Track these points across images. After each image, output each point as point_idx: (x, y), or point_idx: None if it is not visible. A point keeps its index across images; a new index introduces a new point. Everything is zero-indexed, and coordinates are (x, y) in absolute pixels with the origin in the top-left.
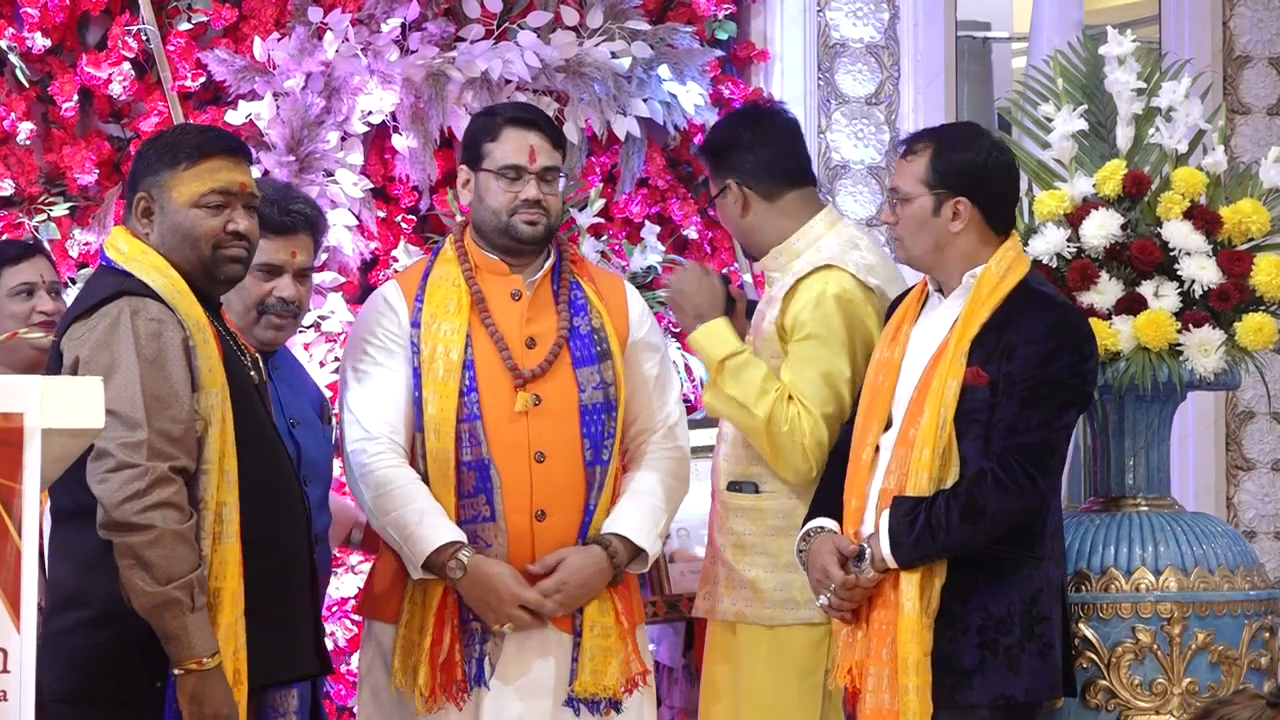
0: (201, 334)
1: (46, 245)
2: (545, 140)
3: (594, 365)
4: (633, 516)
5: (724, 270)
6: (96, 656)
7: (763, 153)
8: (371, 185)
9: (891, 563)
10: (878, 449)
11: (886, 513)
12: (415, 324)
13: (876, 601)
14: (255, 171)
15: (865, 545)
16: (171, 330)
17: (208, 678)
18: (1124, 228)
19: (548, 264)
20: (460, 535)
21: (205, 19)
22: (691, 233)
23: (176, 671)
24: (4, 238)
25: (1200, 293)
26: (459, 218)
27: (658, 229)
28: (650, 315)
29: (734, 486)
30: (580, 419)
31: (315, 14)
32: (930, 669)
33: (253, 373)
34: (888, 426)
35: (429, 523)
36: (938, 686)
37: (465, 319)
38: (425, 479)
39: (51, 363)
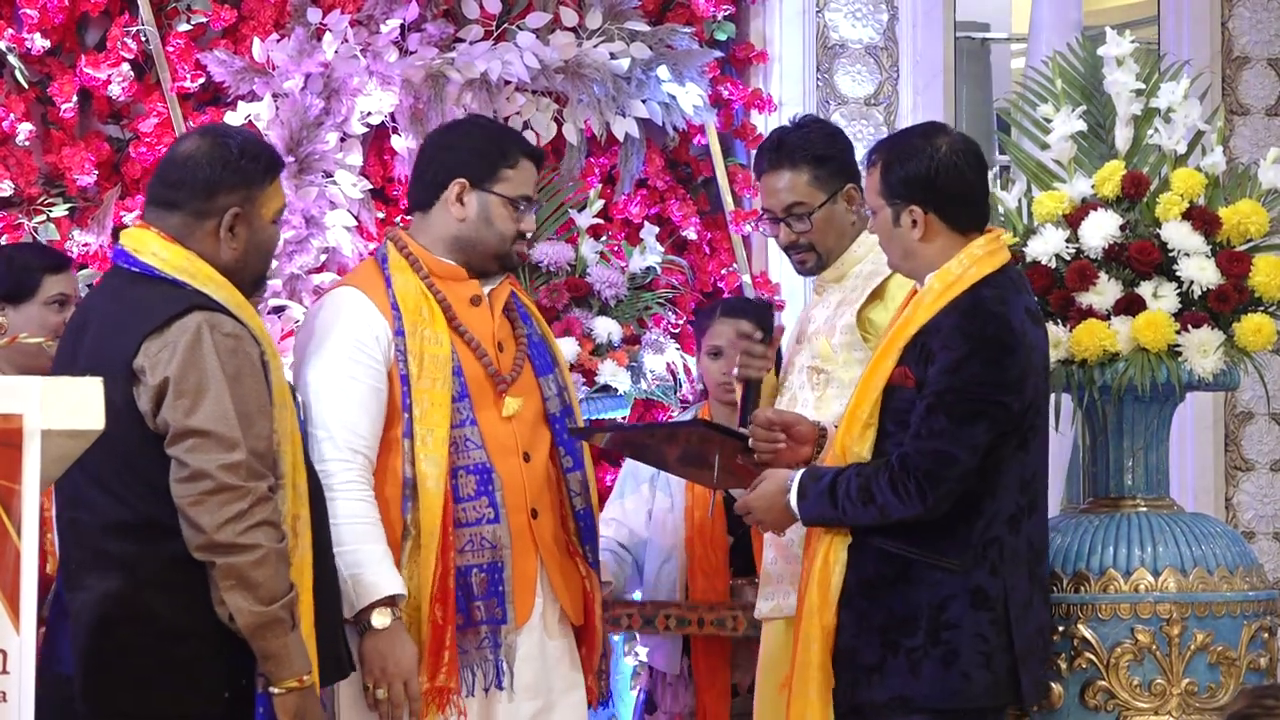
0: (271, 348)
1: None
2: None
3: (551, 373)
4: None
5: (723, 270)
6: (166, 673)
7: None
8: (370, 186)
9: (797, 512)
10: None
11: (801, 471)
12: (399, 332)
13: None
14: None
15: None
16: (248, 346)
17: (307, 695)
18: (1123, 228)
19: (504, 275)
20: (404, 589)
21: (204, 20)
22: (690, 233)
23: (275, 690)
24: (3, 239)
25: (1199, 293)
26: None
27: (657, 230)
28: None
29: None
30: (551, 427)
31: (314, 15)
32: (826, 646)
33: None
34: None
35: (388, 568)
36: (840, 680)
37: (443, 327)
38: (413, 483)
39: (119, 376)
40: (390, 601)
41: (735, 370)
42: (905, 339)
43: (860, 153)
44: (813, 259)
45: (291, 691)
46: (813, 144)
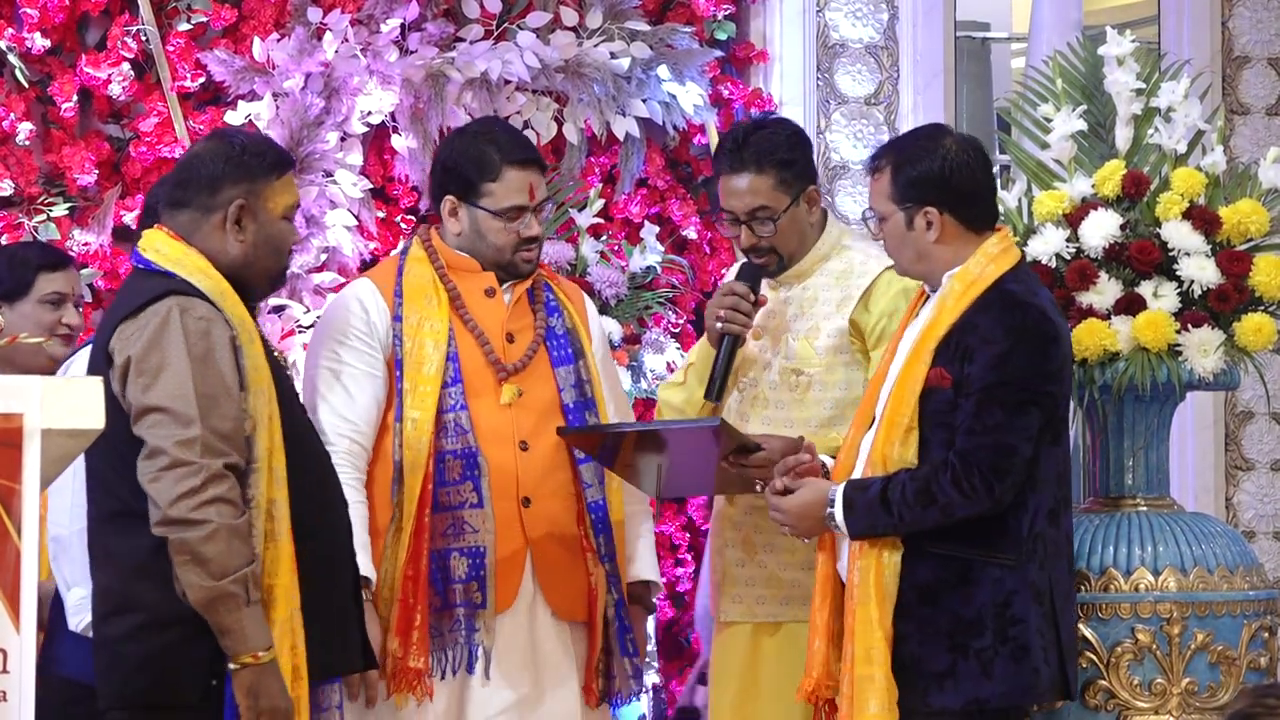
0: (247, 334)
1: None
2: (540, 175)
3: (570, 365)
4: (646, 558)
5: (724, 270)
6: (154, 661)
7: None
8: (371, 185)
9: (843, 527)
10: (858, 450)
11: (843, 484)
12: (398, 318)
13: (845, 615)
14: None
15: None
16: (220, 329)
17: (264, 671)
18: (1123, 228)
19: (514, 279)
20: (373, 574)
21: (205, 19)
22: (691, 233)
23: (232, 666)
24: (3, 239)
25: (1199, 293)
26: None
27: (657, 229)
28: (602, 329)
29: None
30: (565, 419)
31: (315, 14)
32: (889, 657)
33: (291, 373)
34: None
35: (362, 555)
36: (910, 690)
37: (445, 315)
38: (400, 466)
39: (98, 363)
40: (363, 584)
41: (719, 324)
42: (935, 340)
43: (860, 154)
44: (774, 261)
45: (246, 668)
46: (777, 147)
